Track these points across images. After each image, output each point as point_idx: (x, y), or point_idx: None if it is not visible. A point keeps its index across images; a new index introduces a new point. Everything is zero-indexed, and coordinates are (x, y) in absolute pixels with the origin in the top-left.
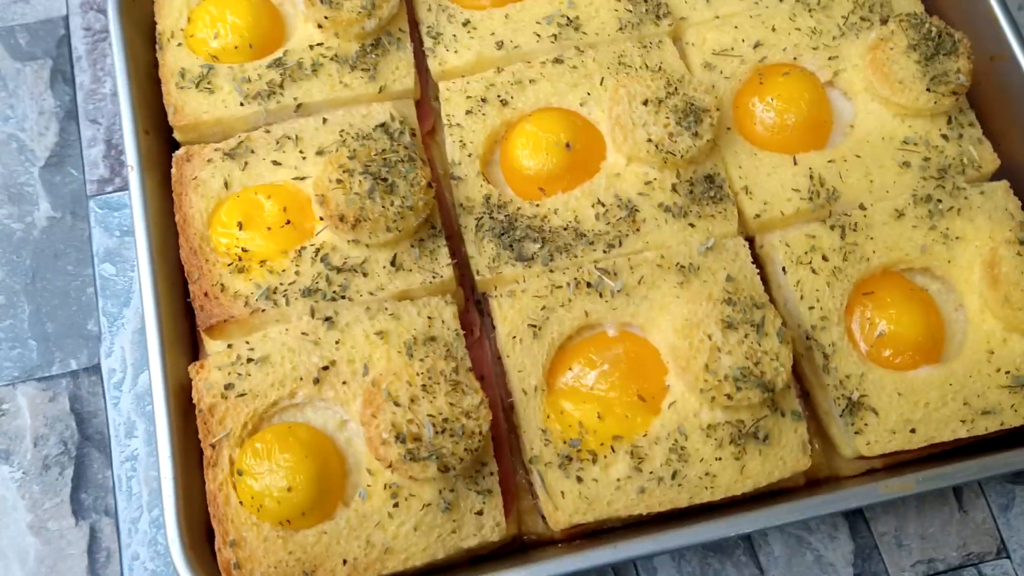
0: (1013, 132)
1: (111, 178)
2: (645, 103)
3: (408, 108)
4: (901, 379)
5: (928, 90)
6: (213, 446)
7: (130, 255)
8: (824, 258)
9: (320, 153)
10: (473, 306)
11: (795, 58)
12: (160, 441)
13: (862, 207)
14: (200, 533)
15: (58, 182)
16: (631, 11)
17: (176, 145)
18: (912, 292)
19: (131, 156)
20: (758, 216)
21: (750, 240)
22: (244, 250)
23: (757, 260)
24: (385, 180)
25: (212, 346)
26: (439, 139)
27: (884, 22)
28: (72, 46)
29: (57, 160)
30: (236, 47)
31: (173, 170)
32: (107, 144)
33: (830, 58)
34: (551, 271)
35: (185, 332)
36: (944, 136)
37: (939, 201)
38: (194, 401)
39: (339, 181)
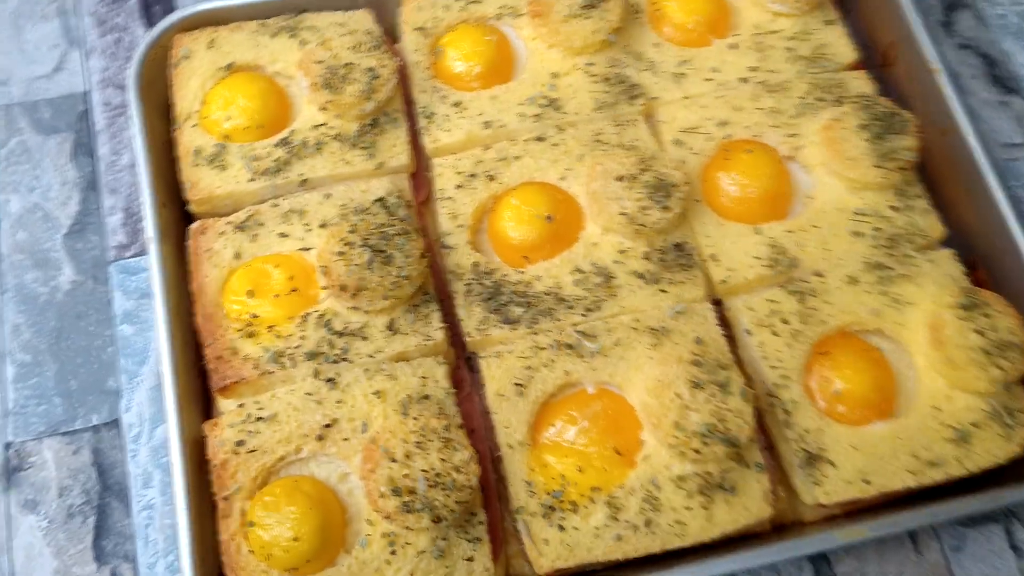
0: (962, 200)
1: (129, 244)
2: (620, 179)
3: (403, 181)
4: (856, 433)
5: (877, 166)
6: (226, 498)
7: (147, 316)
8: (784, 321)
9: (323, 226)
10: (464, 364)
11: (757, 135)
12: (177, 493)
13: (819, 274)
14: None
15: (80, 248)
16: (607, 92)
17: (189, 216)
18: (865, 352)
19: (150, 228)
20: (724, 281)
21: (718, 303)
22: (254, 316)
23: (724, 322)
24: (383, 252)
25: (224, 405)
26: (433, 208)
27: (838, 101)
28: (92, 120)
29: (79, 228)
30: (246, 128)
31: (189, 242)
32: (125, 212)
33: (789, 135)
34: (535, 333)
35: (198, 390)
36: (894, 207)
37: (889, 268)
38: (208, 457)
39: (340, 253)
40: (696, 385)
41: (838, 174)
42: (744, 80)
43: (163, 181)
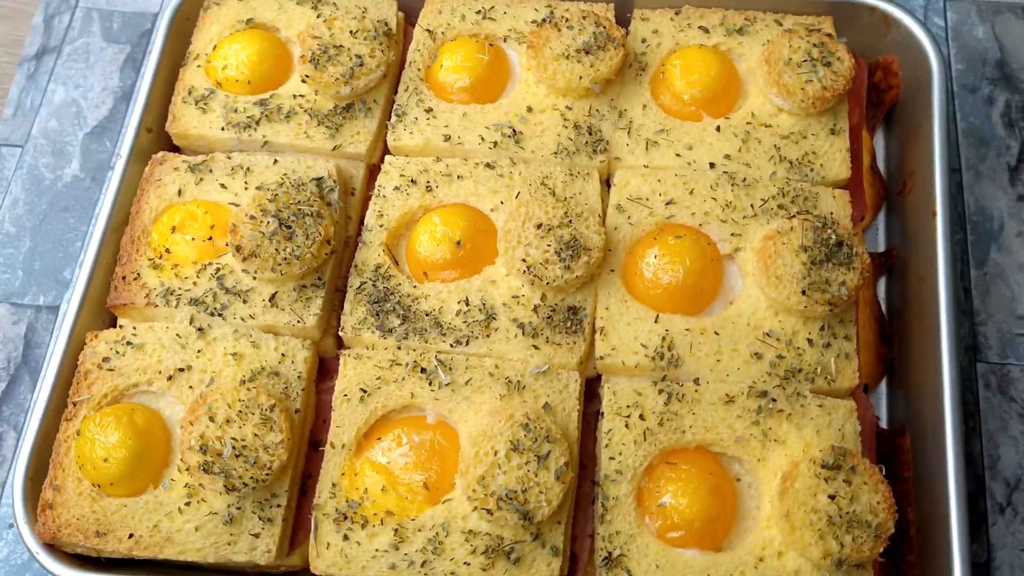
0: (916, 359)
1: None
2: (538, 226)
3: (357, 168)
4: (666, 553)
5: (803, 293)
6: (75, 404)
7: None
8: (641, 416)
9: (259, 188)
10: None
11: (700, 224)
12: (44, 383)
13: (696, 381)
14: (46, 471)
15: (93, 148)
16: (572, 140)
17: (176, 148)
18: (710, 477)
19: (125, 145)
20: (602, 358)
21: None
22: (167, 250)
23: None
24: (288, 227)
25: (121, 324)
26: None
27: (796, 214)
28: (152, 40)
29: (100, 131)
30: (237, 80)
31: (146, 169)
32: None
33: (733, 234)
34: (399, 348)
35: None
36: (810, 340)
37: (773, 400)
38: (78, 362)
39: (252, 217)
40: (515, 448)
41: (762, 289)
42: (712, 165)
43: (159, 108)
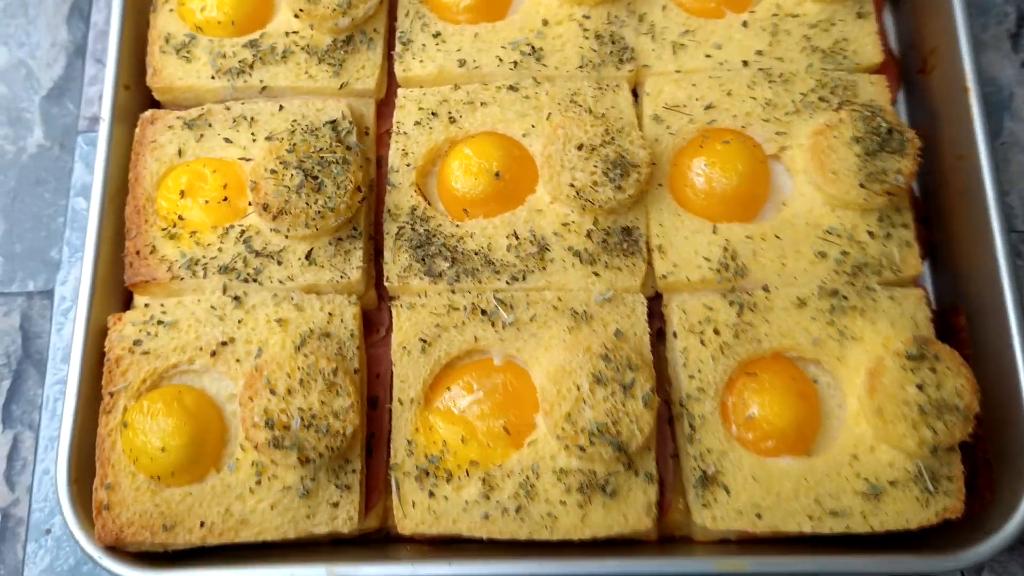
0: (962, 236)
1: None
2: (579, 147)
3: (367, 106)
4: (760, 464)
5: (861, 185)
6: (112, 394)
7: None
8: (716, 331)
9: (269, 138)
10: (386, 306)
11: (744, 126)
12: (71, 376)
13: (766, 288)
14: (89, 470)
15: (55, 113)
16: (596, 51)
17: (155, 103)
18: (794, 383)
19: (105, 108)
20: (664, 277)
21: (659, 299)
22: (180, 217)
23: (660, 318)
24: (315, 178)
25: (139, 301)
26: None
27: (840, 106)
28: None
29: (58, 92)
30: (219, 22)
31: (136, 130)
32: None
33: (778, 133)
34: (453, 291)
35: (122, 282)
36: (870, 233)
37: (844, 298)
38: (105, 350)
39: (273, 171)
40: (598, 380)
41: (818, 186)
42: (746, 63)
43: (134, 62)
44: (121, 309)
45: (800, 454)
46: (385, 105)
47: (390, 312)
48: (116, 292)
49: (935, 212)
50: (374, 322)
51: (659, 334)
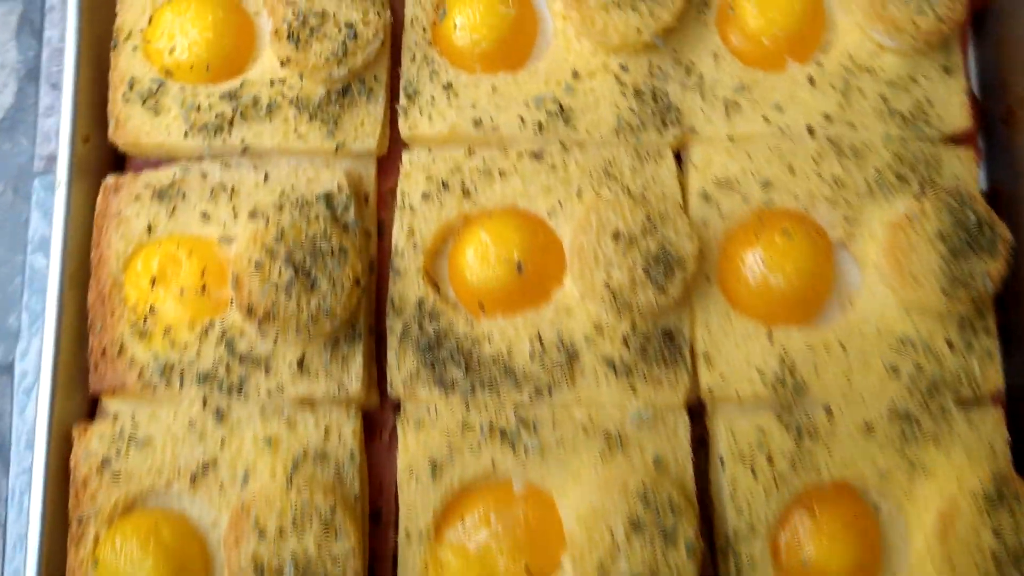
0: None
1: None
2: (616, 236)
3: (366, 167)
4: None
5: (945, 292)
6: (80, 520)
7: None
8: (769, 459)
9: (253, 215)
10: (390, 405)
11: (807, 209)
12: (34, 493)
13: (829, 411)
14: None
15: (5, 151)
16: (635, 111)
17: (122, 153)
18: (856, 520)
19: (62, 167)
20: (711, 390)
21: (697, 407)
22: (152, 310)
23: (704, 427)
24: (308, 274)
25: (107, 405)
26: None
27: (921, 189)
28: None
29: (9, 125)
30: (192, 66)
31: (99, 199)
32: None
33: (847, 218)
34: (468, 407)
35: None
36: (949, 343)
37: (917, 422)
38: (70, 465)
39: (258, 265)
40: (635, 526)
41: (893, 288)
42: (811, 130)
43: (95, 105)
44: (88, 402)
45: None
46: (387, 160)
47: (394, 412)
48: (83, 379)
49: (1011, 291)
50: (376, 424)
51: (699, 441)
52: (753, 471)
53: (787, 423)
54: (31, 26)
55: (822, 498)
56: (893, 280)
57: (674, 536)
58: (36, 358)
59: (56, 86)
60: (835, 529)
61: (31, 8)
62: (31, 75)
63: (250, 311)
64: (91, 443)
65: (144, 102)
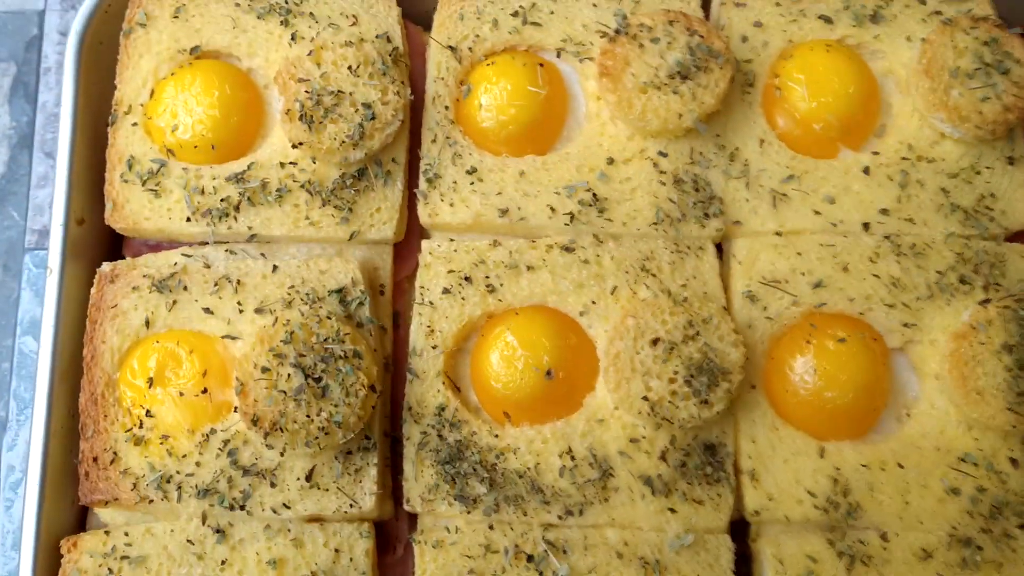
0: None
1: None
2: (655, 343)
3: (382, 256)
4: None
5: (1011, 409)
6: None
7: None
8: None
9: (259, 311)
10: (406, 516)
11: (862, 312)
12: None
13: (884, 537)
14: None
15: None
16: (674, 201)
17: (119, 234)
18: None
19: (54, 255)
20: (757, 513)
21: (739, 526)
22: (148, 413)
23: (746, 546)
24: (318, 380)
25: (100, 515)
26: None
27: (986, 293)
28: (43, 52)
29: (0, 196)
30: (196, 146)
31: (93, 289)
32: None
33: (906, 324)
34: (491, 526)
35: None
36: (1013, 461)
37: (979, 549)
38: None
39: (265, 370)
40: None
41: (955, 403)
42: (867, 227)
43: (91, 183)
44: (79, 517)
45: None
46: (404, 246)
47: (409, 522)
48: (74, 483)
49: None
50: (390, 537)
51: (739, 558)
52: None
53: (839, 550)
54: (25, 89)
55: None
56: (956, 395)
57: None
58: (24, 449)
59: (50, 154)
60: None
61: (26, 70)
62: (24, 142)
63: (256, 421)
64: (81, 560)
65: (144, 183)
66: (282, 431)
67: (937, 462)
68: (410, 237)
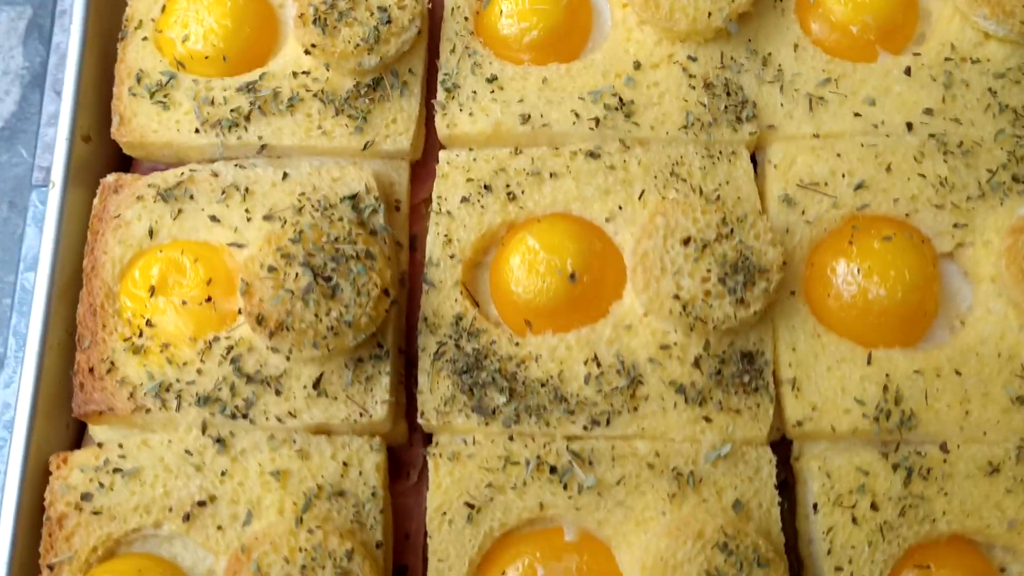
0: None
1: None
2: (686, 242)
3: (399, 171)
4: None
5: None
6: (51, 567)
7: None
8: (874, 506)
9: (268, 218)
10: (420, 440)
11: (908, 215)
12: (2, 534)
13: (944, 448)
14: None
15: (3, 161)
16: (705, 105)
17: (126, 159)
18: None
19: (58, 168)
20: (800, 424)
21: (782, 443)
22: (149, 323)
23: (789, 469)
24: (328, 279)
25: (95, 433)
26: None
27: None
28: None
29: (9, 134)
30: (207, 56)
31: (96, 200)
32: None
33: (956, 225)
34: (511, 437)
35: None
36: None
37: None
38: (44, 504)
39: (272, 269)
40: None
41: (1015, 303)
42: (910, 127)
43: (98, 103)
44: (74, 439)
45: None
46: (422, 167)
47: (424, 448)
48: (68, 414)
49: None
50: (403, 462)
51: (781, 486)
52: (854, 519)
53: (894, 463)
54: (40, 31)
55: (938, 554)
56: (1015, 292)
57: None
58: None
59: (60, 95)
60: None
61: (41, 12)
62: (36, 82)
63: (260, 321)
64: (71, 476)
65: (152, 96)
66: (288, 330)
67: (999, 369)
68: (427, 159)
